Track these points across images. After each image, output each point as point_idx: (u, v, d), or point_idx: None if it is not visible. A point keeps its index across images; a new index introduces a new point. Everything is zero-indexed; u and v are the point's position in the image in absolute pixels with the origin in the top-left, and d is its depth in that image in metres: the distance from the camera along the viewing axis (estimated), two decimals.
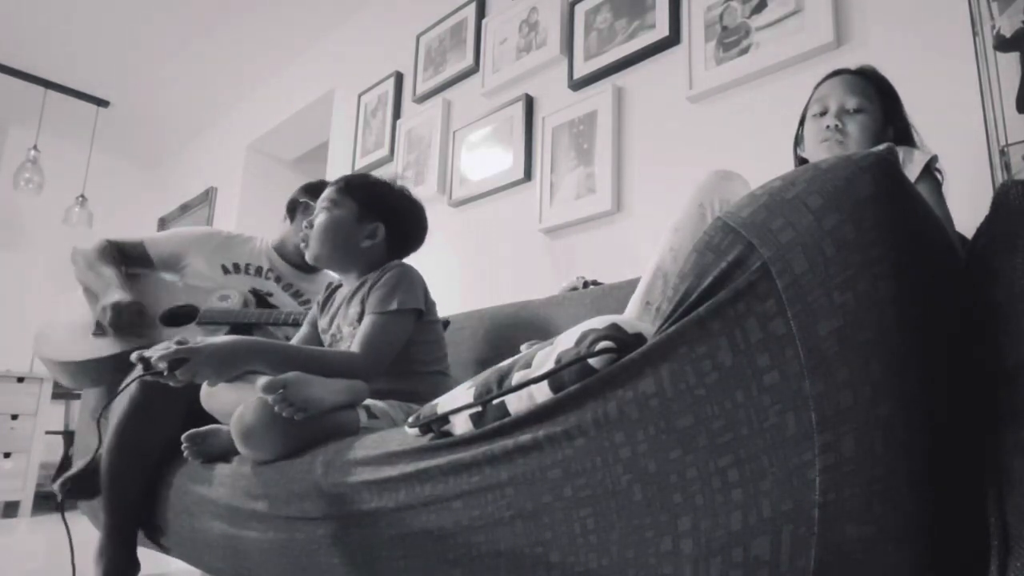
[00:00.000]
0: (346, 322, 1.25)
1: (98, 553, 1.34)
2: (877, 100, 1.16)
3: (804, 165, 0.55)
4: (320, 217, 1.26)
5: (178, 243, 1.74)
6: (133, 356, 1.00)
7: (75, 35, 3.36)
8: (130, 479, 1.34)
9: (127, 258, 1.71)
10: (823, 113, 1.17)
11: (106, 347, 1.51)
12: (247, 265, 1.73)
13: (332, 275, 1.89)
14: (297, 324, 1.49)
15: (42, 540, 2.50)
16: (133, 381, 1.26)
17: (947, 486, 0.49)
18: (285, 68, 3.60)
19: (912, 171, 1.03)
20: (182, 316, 1.57)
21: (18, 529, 2.79)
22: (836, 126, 1.13)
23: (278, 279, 1.74)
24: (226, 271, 1.70)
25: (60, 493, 1.36)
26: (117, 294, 1.56)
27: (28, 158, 3.76)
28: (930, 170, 1.05)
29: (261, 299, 1.66)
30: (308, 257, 1.28)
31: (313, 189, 1.76)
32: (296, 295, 1.74)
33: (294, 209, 1.76)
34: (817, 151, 1.17)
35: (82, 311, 1.66)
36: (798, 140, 1.26)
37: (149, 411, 1.33)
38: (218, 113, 4.09)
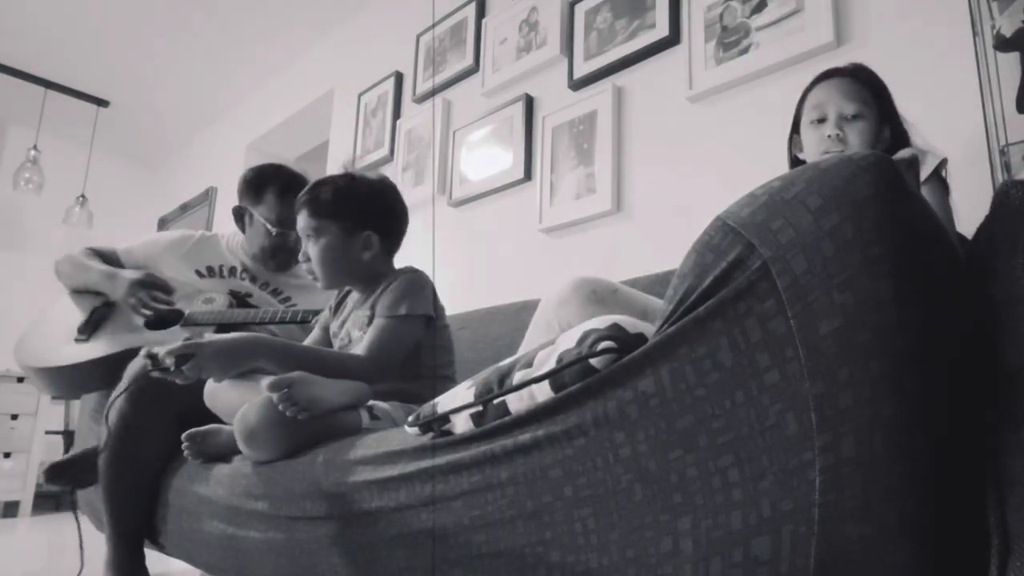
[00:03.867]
0: (356, 326, 1.25)
1: (107, 566, 1.35)
2: (873, 103, 1.16)
3: (803, 165, 0.55)
4: (311, 249, 1.24)
5: (150, 251, 1.72)
6: (142, 352, 1.01)
7: (75, 35, 3.36)
8: (130, 492, 1.33)
9: (107, 263, 1.70)
10: (821, 120, 1.16)
11: (88, 352, 1.49)
12: (220, 267, 1.71)
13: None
14: (283, 322, 1.47)
15: (42, 540, 2.50)
16: (137, 376, 1.25)
17: (947, 486, 0.49)
18: (285, 68, 3.59)
19: (923, 171, 1.04)
20: (165, 320, 1.55)
21: (18, 529, 2.79)
22: (837, 135, 1.13)
23: (253, 279, 1.70)
24: (201, 275, 1.67)
25: (44, 477, 1.37)
26: (130, 273, 1.56)
27: (28, 158, 3.76)
28: (939, 172, 1.05)
29: (241, 300, 1.64)
30: (322, 287, 1.27)
31: (241, 190, 1.69)
32: (275, 293, 1.70)
33: (241, 218, 1.69)
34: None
35: (63, 319, 1.63)
36: (793, 144, 1.26)
37: (142, 421, 1.31)
38: (218, 113, 4.09)
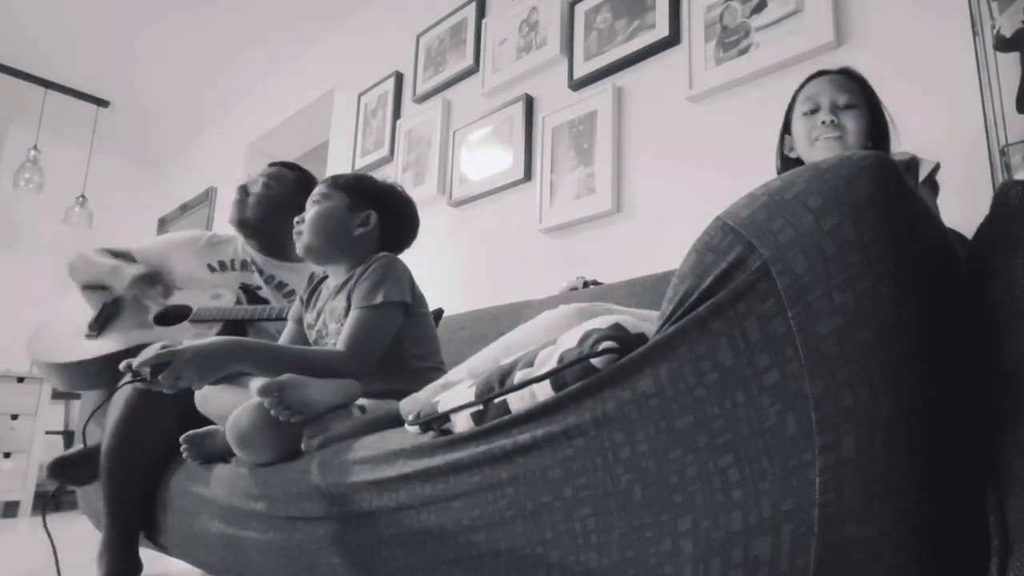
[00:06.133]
0: (332, 318, 1.22)
1: (100, 553, 1.35)
2: (863, 97, 1.17)
3: (803, 166, 0.55)
4: (311, 210, 1.25)
5: (164, 250, 1.76)
6: (121, 366, 0.99)
7: (75, 35, 3.36)
8: (129, 481, 1.34)
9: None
10: (814, 111, 1.16)
11: (98, 349, 1.51)
12: (232, 260, 1.74)
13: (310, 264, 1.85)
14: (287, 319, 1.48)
15: (42, 540, 2.50)
16: (121, 387, 1.26)
17: (947, 486, 0.49)
18: (285, 68, 3.59)
19: (919, 177, 1.04)
20: (173, 316, 1.58)
21: (18, 529, 2.79)
22: (832, 121, 1.13)
23: (260, 272, 1.73)
24: (212, 269, 1.71)
25: (47, 472, 1.38)
26: (133, 268, 1.60)
27: (28, 158, 3.76)
28: (931, 178, 1.06)
29: (252, 294, 1.65)
30: (300, 249, 1.26)
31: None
32: (280, 287, 1.72)
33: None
34: (813, 149, 1.16)
35: (75, 314, 1.66)
36: (784, 144, 1.25)
37: (145, 412, 1.32)
38: (218, 113, 4.09)
